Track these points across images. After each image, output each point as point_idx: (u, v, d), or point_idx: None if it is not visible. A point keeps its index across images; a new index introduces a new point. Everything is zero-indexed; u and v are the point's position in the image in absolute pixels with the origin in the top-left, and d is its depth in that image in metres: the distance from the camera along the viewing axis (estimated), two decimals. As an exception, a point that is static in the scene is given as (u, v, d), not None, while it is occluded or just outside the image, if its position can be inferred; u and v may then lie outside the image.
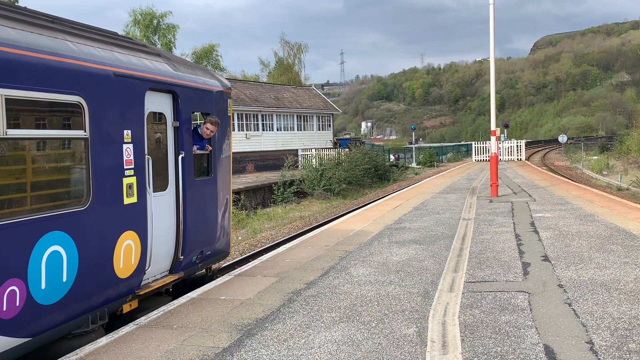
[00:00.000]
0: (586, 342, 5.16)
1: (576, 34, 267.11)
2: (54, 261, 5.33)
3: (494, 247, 9.74)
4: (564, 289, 6.93)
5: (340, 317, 6.17)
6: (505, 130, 51.03)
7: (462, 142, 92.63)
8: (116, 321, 6.81)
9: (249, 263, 9.39)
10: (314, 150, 38.97)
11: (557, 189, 20.48)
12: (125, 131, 6.39)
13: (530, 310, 6.18)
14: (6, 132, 4.84)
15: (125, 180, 6.37)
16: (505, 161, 43.26)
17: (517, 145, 46.77)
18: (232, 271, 8.81)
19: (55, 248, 5.36)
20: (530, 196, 17.98)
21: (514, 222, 12.53)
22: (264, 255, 9.97)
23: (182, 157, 7.54)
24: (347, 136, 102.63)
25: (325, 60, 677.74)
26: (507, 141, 47.26)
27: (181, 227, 7.57)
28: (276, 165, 38.43)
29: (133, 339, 5.72)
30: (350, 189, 30.00)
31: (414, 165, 50.18)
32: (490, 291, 7.00)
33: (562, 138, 57.23)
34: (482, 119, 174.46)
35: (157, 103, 7.17)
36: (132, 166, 6.48)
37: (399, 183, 34.56)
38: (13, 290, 4.89)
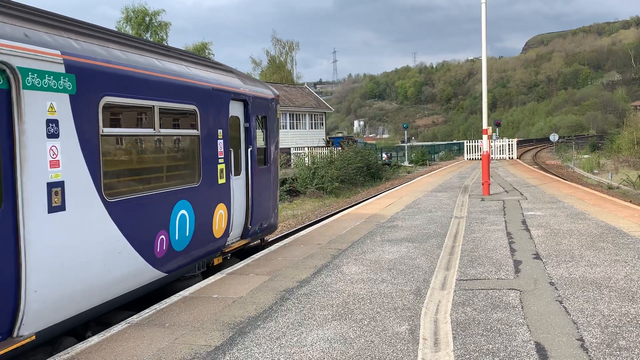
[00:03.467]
0: (577, 339, 5.20)
1: (567, 33, 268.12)
2: (182, 220, 7.66)
3: (486, 245, 9.78)
4: (555, 287, 6.98)
5: (333, 315, 6.17)
6: (497, 129, 51.25)
7: (454, 141, 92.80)
8: (209, 271, 8.94)
9: (242, 261, 9.37)
10: (306, 149, 38.94)
11: (549, 187, 20.59)
12: (218, 130, 8.79)
13: (522, 307, 6.21)
14: (159, 130, 7.17)
15: (219, 167, 8.78)
16: (497, 160, 43.43)
17: (509, 144, 46.99)
18: (225, 269, 8.79)
19: (183, 211, 7.69)
20: (522, 194, 18.07)
21: (505, 221, 12.59)
22: (256, 254, 9.95)
23: (250, 150, 10.01)
24: (340, 134, 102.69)
25: (317, 59, 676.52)
26: (498, 140, 47.48)
27: (250, 203, 9.99)
28: (269, 163, 38.26)
29: (125, 338, 5.69)
30: (342, 188, 30.01)
31: (406, 163, 50.27)
32: (481, 289, 7.03)
33: (554, 137, 57.49)
34: (474, 118, 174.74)
35: (235, 109, 9.55)
36: (223, 156, 8.89)
37: (391, 181, 34.62)
38: (162, 238, 7.19)
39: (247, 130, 9.90)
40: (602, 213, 13.14)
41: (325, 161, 31.18)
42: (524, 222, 12.29)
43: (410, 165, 49.49)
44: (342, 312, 6.29)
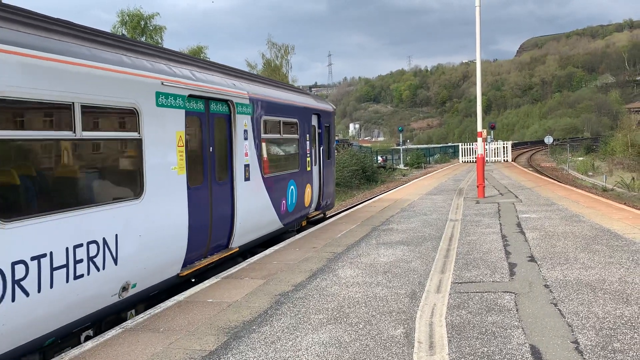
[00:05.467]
0: (572, 342, 5.20)
1: (561, 36, 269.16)
2: (292, 192, 12.00)
3: (481, 248, 9.79)
4: (550, 289, 6.99)
5: (328, 319, 6.16)
6: (492, 131, 51.37)
7: (450, 144, 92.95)
8: (300, 229, 13.28)
9: (237, 265, 9.35)
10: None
11: (543, 189, 20.64)
12: (307, 135, 13.17)
13: (517, 310, 6.22)
14: (282, 135, 11.69)
15: (307, 159, 13.15)
16: (492, 162, 43.52)
17: (504, 147, 47.12)
18: (220, 273, 8.76)
19: (292, 187, 12.00)
20: (517, 197, 18.10)
21: (500, 223, 12.61)
22: (252, 258, 9.93)
23: (322, 148, 14.62)
24: (335, 138, 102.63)
25: (312, 62, 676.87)
26: (493, 143, 47.59)
27: (322, 184, 14.49)
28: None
29: (119, 343, 5.67)
30: (338, 191, 29.99)
31: (401, 166, 50.31)
32: (477, 292, 7.03)
33: (548, 139, 57.58)
34: (469, 121, 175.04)
35: (313, 120, 13.89)
36: (309, 152, 13.32)
37: (386, 184, 34.63)
38: (284, 202, 11.49)
39: (319, 135, 14.43)
40: (596, 215, 13.18)
41: (320, 164, 31.12)
42: (518, 224, 12.32)
43: (405, 168, 49.52)
44: (337, 315, 6.28)
